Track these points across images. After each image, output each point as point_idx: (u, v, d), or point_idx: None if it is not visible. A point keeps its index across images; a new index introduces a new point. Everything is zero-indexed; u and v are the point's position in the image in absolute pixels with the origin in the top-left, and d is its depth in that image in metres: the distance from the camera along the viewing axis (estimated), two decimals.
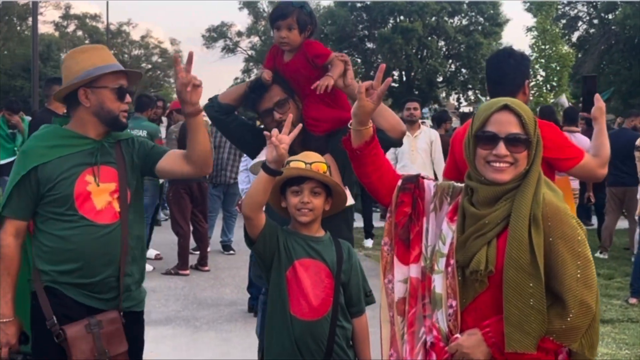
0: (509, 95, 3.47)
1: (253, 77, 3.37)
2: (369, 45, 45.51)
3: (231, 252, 9.55)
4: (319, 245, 2.83)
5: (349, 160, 3.10)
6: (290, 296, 2.75)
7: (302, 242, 2.82)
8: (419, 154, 8.01)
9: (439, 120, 11.34)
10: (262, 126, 3.38)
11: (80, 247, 2.81)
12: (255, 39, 52.45)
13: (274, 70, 3.23)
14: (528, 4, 30.67)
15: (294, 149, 3.14)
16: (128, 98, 2.95)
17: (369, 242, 10.34)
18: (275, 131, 2.59)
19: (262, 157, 3.18)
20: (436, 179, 7.77)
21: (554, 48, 28.36)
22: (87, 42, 61.01)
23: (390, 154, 7.83)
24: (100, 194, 2.87)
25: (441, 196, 2.43)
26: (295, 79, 3.19)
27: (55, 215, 2.83)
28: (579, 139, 7.35)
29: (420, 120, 8.89)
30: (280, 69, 3.23)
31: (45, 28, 58.01)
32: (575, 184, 8.83)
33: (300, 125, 2.72)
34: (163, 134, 8.85)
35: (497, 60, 3.65)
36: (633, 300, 6.99)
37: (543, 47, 28.54)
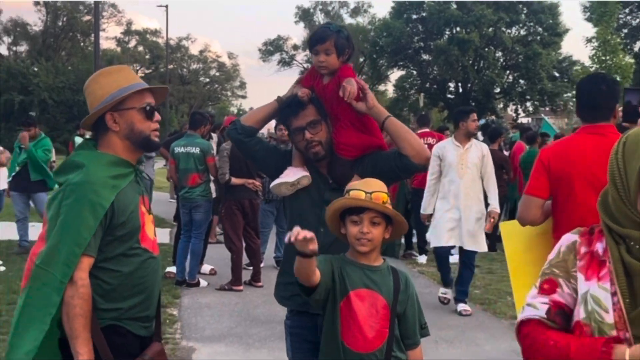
0: (604, 119, 3.75)
1: (284, 93, 3.38)
2: (425, 57, 45.29)
3: None
4: (376, 274, 2.76)
5: (379, 170, 3.05)
6: (343, 327, 2.68)
7: (360, 271, 2.75)
8: (469, 168, 7.29)
9: (493, 135, 11.04)
10: (285, 146, 3.40)
11: (146, 280, 2.73)
12: None
13: (311, 89, 3.21)
14: (588, 13, 30.01)
15: (320, 171, 3.17)
16: (157, 116, 2.82)
17: (422, 259, 10.20)
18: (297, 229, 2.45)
19: (283, 178, 3.17)
20: (485, 196, 7.48)
21: (614, 59, 27.64)
22: (147, 57, 62.70)
23: (434, 166, 7.61)
24: (148, 223, 2.79)
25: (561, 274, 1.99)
26: (329, 101, 3.17)
27: (124, 250, 2.66)
28: None
29: None
30: (318, 89, 3.21)
31: (107, 44, 59.94)
32: None
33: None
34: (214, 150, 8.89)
35: (590, 86, 3.85)
36: None
37: (603, 57, 27.87)
